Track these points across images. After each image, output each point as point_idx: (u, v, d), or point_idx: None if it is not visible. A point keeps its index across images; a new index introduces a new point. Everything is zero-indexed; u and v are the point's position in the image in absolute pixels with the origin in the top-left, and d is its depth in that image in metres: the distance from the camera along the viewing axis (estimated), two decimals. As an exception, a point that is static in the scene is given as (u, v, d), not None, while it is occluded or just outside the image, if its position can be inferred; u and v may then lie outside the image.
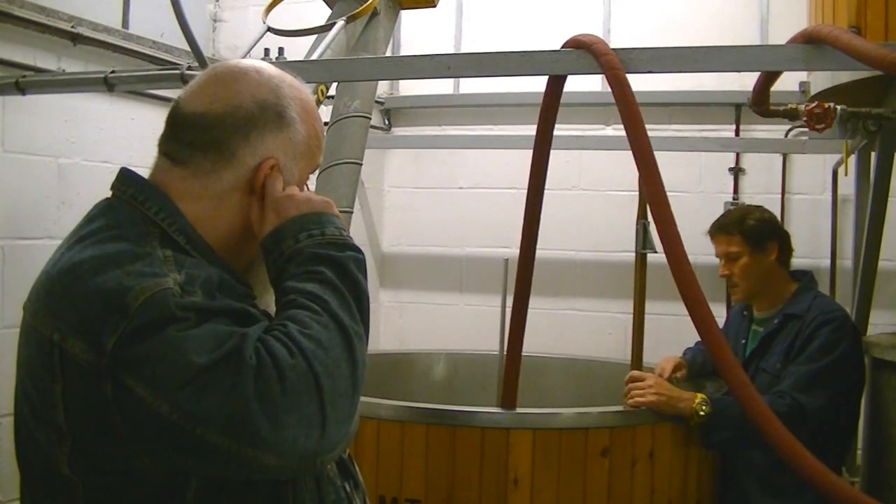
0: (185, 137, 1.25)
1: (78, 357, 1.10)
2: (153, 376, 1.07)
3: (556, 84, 2.60)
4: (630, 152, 2.35)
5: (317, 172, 2.74)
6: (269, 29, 2.74)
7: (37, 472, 1.22)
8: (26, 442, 1.22)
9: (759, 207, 2.99)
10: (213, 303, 1.13)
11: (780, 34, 3.76)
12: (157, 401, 1.06)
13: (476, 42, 4.49)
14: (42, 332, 1.14)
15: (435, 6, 3.19)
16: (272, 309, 1.27)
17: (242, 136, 1.24)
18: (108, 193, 1.30)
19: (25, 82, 2.97)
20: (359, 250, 1.27)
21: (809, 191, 4.13)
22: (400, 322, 4.71)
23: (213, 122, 1.24)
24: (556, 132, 2.67)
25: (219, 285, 1.16)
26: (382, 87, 4.50)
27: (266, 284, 1.30)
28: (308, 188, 1.38)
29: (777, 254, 2.86)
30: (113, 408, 1.08)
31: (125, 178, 1.27)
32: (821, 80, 2.82)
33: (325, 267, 1.21)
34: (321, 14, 2.99)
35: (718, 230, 2.91)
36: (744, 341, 2.95)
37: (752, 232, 2.83)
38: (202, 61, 2.71)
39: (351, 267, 1.23)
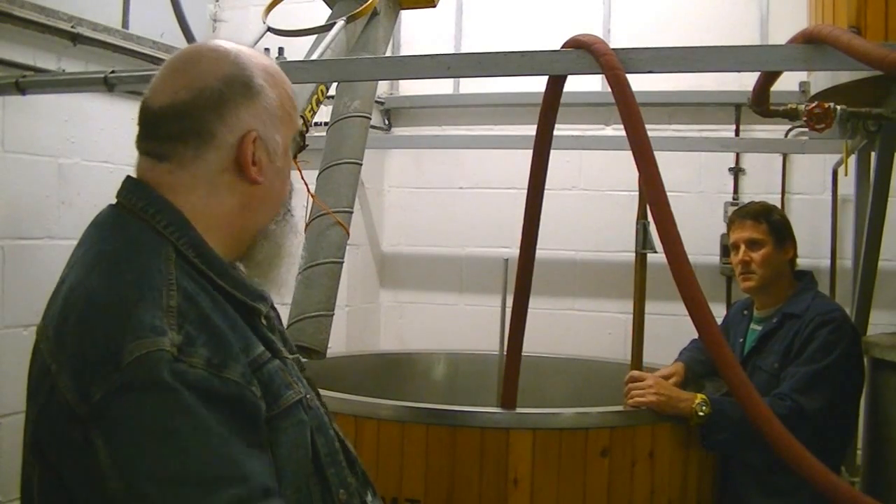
0: (160, 133, 1.25)
1: (65, 396, 1.09)
2: (121, 444, 1.05)
3: (556, 84, 2.60)
4: (630, 152, 2.35)
5: (317, 172, 2.76)
6: (269, 29, 2.74)
7: (23, 489, 1.21)
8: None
9: (776, 207, 3.02)
10: (213, 381, 1.10)
11: (780, 34, 3.76)
12: (113, 472, 1.04)
13: (476, 42, 4.49)
14: (44, 357, 1.14)
15: (435, 6, 3.19)
16: (281, 280, 1.32)
17: (216, 115, 1.23)
18: (108, 194, 1.29)
19: (25, 82, 2.98)
20: None
21: (809, 191, 4.13)
22: (400, 322, 4.71)
23: (184, 110, 1.23)
24: (556, 132, 2.67)
25: (222, 346, 1.14)
26: (382, 87, 4.50)
27: (272, 259, 1.32)
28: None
29: (792, 254, 2.89)
30: (77, 455, 1.08)
31: (133, 188, 1.26)
32: (821, 80, 2.82)
33: None
34: (321, 14, 2.99)
35: (747, 216, 2.89)
36: (742, 340, 2.95)
37: (777, 226, 2.86)
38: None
39: None
